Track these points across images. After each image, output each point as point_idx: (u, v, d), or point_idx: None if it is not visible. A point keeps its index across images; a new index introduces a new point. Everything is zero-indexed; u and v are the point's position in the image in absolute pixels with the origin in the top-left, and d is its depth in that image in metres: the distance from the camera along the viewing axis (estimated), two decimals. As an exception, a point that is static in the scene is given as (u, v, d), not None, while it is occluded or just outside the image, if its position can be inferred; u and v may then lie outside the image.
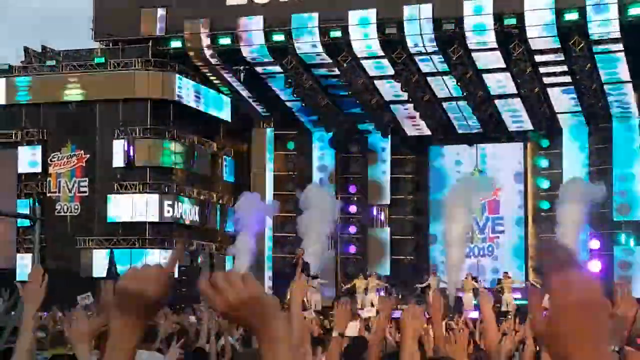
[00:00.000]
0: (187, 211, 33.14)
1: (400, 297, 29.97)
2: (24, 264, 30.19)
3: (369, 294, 28.60)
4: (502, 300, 27.18)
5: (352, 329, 9.41)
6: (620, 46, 28.67)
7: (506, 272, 29.70)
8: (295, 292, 4.73)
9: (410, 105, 32.99)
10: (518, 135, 34.15)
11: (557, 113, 32.66)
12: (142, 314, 2.00)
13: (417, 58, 30.37)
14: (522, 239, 34.34)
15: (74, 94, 32.70)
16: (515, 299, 27.40)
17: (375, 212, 35.57)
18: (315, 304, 27.36)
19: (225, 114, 35.16)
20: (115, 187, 32.02)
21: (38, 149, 33.08)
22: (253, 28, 30.84)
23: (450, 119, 33.78)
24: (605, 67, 29.71)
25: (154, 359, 6.62)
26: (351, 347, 6.29)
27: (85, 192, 32.73)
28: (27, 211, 30.38)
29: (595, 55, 29.10)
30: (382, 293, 31.16)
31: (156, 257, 31.33)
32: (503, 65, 30.13)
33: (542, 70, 30.45)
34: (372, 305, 27.50)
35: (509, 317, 19.82)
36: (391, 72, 31.13)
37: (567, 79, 30.74)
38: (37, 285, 4.04)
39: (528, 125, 33.33)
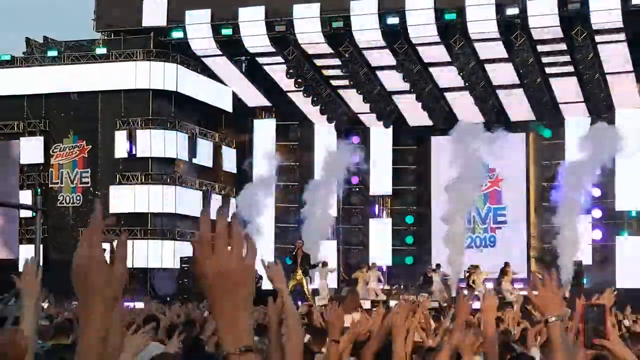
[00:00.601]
0: (189, 202, 33.13)
1: (402, 287, 30.01)
2: (27, 255, 30.16)
3: (370, 284, 28.65)
4: (502, 291, 27.14)
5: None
6: (622, 36, 28.59)
7: (507, 263, 29.64)
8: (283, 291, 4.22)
9: (412, 96, 32.94)
10: (520, 125, 34.06)
11: (560, 103, 32.58)
12: None
13: (418, 48, 30.34)
14: (524, 229, 34.28)
15: (75, 85, 32.63)
16: (516, 289, 27.35)
17: (377, 203, 35.51)
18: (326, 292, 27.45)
19: (227, 105, 35.10)
20: (117, 178, 32.00)
21: (40, 140, 33.06)
22: (254, 18, 30.78)
23: (452, 109, 33.70)
24: (608, 57, 29.64)
25: (155, 349, 6.64)
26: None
27: (87, 183, 32.72)
28: (29, 202, 30.39)
29: (598, 45, 29.06)
30: (382, 285, 31.25)
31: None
32: (505, 56, 30.07)
33: (544, 60, 30.38)
34: (376, 294, 27.61)
35: (511, 307, 19.85)
36: (393, 62, 31.07)
37: (570, 68, 30.67)
38: (33, 277, 4.12)
39: (530, 116, 33.24)
